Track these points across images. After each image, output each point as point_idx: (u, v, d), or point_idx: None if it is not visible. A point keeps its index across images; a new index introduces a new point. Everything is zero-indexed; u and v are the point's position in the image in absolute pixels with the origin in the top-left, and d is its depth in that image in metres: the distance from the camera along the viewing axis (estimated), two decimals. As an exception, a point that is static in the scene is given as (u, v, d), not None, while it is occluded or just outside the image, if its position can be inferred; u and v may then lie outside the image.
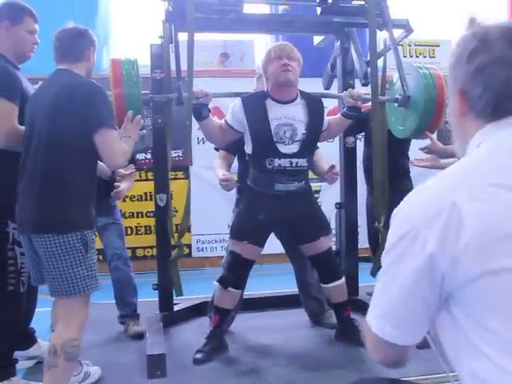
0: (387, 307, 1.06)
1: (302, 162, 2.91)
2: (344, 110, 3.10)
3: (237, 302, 3.03)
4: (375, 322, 1.08)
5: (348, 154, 3.69)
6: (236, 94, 3.16)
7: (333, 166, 3.15)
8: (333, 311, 3.25)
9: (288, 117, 2.89)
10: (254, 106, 2.92)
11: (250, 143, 2.93)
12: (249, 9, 3.32)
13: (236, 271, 2.96)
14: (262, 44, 5.90)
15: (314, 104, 3.00)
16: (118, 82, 2.73)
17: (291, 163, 2.88)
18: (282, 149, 2.87)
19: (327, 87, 3.83)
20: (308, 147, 2.95)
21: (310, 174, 3.13)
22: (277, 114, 2.89)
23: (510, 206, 0.92)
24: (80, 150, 2.19)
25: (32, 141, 2.20)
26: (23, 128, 2.35)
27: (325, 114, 3.09)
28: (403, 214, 1.01)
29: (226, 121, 2.98)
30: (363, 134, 4.01)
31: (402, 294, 1.01)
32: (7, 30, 2.52)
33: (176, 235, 3.08)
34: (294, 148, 2.88)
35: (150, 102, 3.04)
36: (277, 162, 2.87)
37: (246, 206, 3.06)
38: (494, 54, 1.00)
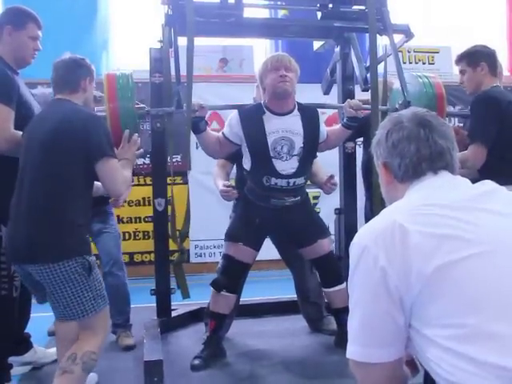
0: (357, 330, 1.16)
1: (300, 180, 2.91)
2: (344, 120, 3.08)
3: (232, 307, 2.98)
4: (349, 349, 1.16)
5: (347, 160, 3.68)
6: (232, 106, 3.15)
7: (332, 176, 3.15)
8: (332, 317, 3.23)
9: (285, 130, 2.87)
10: (251, 119, 2.91)
11: (248, 159, 2.92)
12: (249, 13, 3.31)
13: (229, 274, 2.92)
14: (261, 49, 5.91)
15: (310, 116, 2.98)
16: (113, 97, 2.71)
17: (288, 183, 2.88)
18: (280, 166, 2.85)
19: (326, 92, 3.82)
20: (306, 163, 2.94)
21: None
22: (274, 127, 2.87)
23: (442, 217, 1.13)
24: (77, 180, 2.19)
25: (27, 169, 2.20)
26: (18, 133, 2.35)
27: (322, 125, 3.06)
28: (356, 240, 1.18)
29: (223, 133, 2.96)
30: (362, 139, 3.99)
31: (366, 313, 1.14)
32: (9, 34, 2.53)
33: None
34: (291, 165, 2.86)
35: (147, 115, 3.02)
36: (274, 180, 2.86)
37: (242, 211, 3.05)
38: (404, 132, 1.28)
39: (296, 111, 2.95)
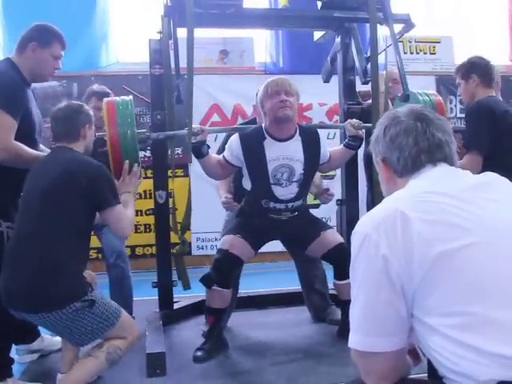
0: (359, 319, 1.15)
1: (299, 202, 2.93)
2: (346, 140, 3.06)
3: (229, 302, 2.95)
4: (352, 339, 1.15)
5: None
6: (233, 129, 3.14)
7: (327, 189, 3.20)
8: (336, 308, 3.23)
9: (286, 157, 2.86)
10: (252, 144, 2.89)
11: (248, 181, 2.94)
12: (248, 3, 3.29)
13: (220, 269, 2.86)
14: (261, 41, 5.88)
15: (311, 139, 2.96)
16: (112, 124, 2.69)
17: (287, 206, 2.91)
18: (279, 192, 2.87)
19: (326, 80, 3.81)
20: (306, 186, 2.96)
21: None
22: (275, 153, 2.86)
23: (443, 205, 1.14)
24: (76, 231, 2.22)
25: (25, 217, 2.22)
26: (19, 144, 2.37)
27: (325, 146, 3.03)
28: (358, 228, 1.19)
29: (224, 157, 2.95)
30: (363, 130, 3.98)
31: (368, 302, 1.13)
32: (33, 50, 2.54)
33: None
34: (291, 190, 2.88)
35: (147, 139, 2.98)
36: (272, 204, 2.90)
37: (240, 217, 3.05)
38: (401, 126, 1.30)
39: (297, 136, 2.93)
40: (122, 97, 2.88)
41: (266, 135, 2.90)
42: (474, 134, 2.94)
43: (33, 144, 2.52)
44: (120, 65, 5.73)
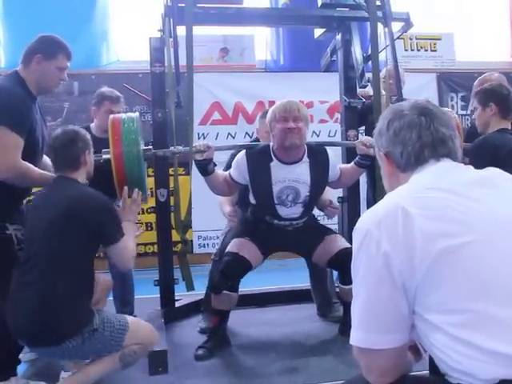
0: (360, 316, 1.15)
1: (303, 220, 2.95)
2: (357, 158, 3.00)
3: (235, 303, 2.93)
4: (353, 335, 1.15)
5: (350, 148, 3.65)
6: (240, 146, 3.12)
7: (330, 201, 3.14)
8: (340, 305, 3.24)
9: (292, 179, 2.85)
10: (259, 165, 2.87)
11: (253, 197, 2.95)
12: (249, 1, 3.29)
13: (230, 272, 2.82)
14: (262, 39, 5.88)
15: (320, 161, 2.92)
16: (117, 142, 2.65)
17: (291, 224, 2.93)
18: (283, 212, 2.89)
19: (325, 70, 3.82)
20: (310, 207, 2.97)
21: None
22: (281, 176, 2.84)
23: (445, 201, 1.13)
24: (81, 264, 2.20)
25: (31, 253, 2.19)
26: (25, 163, 2.36)
27: (335, 166, 2.99)
28: (359, 225, 1.18)
29: (230, 175, 2.93)
30: (364, 128, 3.98)
31: (369, 298, 1.13)
32: (38, 63, 2.52)
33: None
34: (295, 210, 2.89)
35: (153, 157, 2.96)
36: (276, 222, 2.92)
37: (246, 222, 3.07)
38: (405, 120, 1.28)
39: (305, 158, 2.90)
40: (129, 113, 2.84)
41: (274, 157, 2.87)
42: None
43: (35, 158, 2.51)
44: (120, 63, 5.73)
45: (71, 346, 2.10)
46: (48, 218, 2.19)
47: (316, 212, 3.20)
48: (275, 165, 2.86)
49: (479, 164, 2.87)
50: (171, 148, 2.96)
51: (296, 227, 2.96)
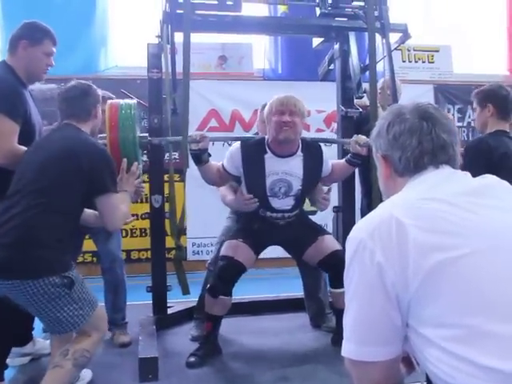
0: (352, 327, 1.12)
1: (295, 212, 2.96)
2: (348, 156, 3.03)
3: (228, 308, 2.93)
4: (345, 347, 1.13)
5: (346, 149, 3.64)
6: (236, 138, 3.12)
7: (330, 189, 3.05)
8: (333, 316, 3.22)
9: (285, 172, 2.87)
10: (253, 157, 2.89)
11: (245, 189, 2.94)
12: (247, 9, 3.30)
13: (226, 277, 2.84)
14: (260, 47, 5.89)
15: (313, 155, 2.96)
16: (114, 127, 2.67)
17: (284, 216, 2.94)
18: (275, 204, 2.90)
19: (323, 79, 3.83)
20: (302, 200, 2.98)
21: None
22: (274, 168, 2.87)
23: (440, 212, 1.10)
24: (67, 207, 2.15)
25: (20, 186, 2.16)
26: (22, 148, 2.36)
27: (328, 160, 3.03)
28: (353, 234, 1.15)
29: (223, 166, 2.95)
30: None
31: (361, 310, 1.10)
32: (25, 49, 2.55)
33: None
34: (287, 202, 2.91)
35: (148, 144, 2.98)
36: (269, 214, 2.94)
37: (239, 220, 3.07)
38: (406, 125, 1.24)
39: (299, 152, 2.93)
40: (126, 100, 2.86)
41: (268, 150, 2.90)
42: (469, 172, 2.86)
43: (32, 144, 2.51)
44: (118, 69, 5.73)
45: (43, 287, 1.99)
46: (44, 155, 2.19)
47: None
48: (269, 157, 2.88)
49: (474, 166, 2.88)
50: (167, 138, 2.98)
51: (288, 221, 2.96)
